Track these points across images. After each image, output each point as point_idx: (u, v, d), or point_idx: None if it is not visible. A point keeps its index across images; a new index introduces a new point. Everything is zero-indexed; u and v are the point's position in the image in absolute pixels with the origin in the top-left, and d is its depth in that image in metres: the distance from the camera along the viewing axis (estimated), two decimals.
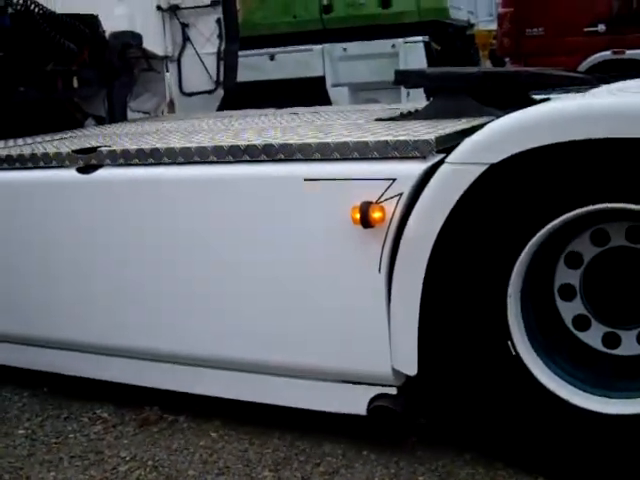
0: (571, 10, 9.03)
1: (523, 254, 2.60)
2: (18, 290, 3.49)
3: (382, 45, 7.26)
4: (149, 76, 5.49)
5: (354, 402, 2.90)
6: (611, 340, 2.75)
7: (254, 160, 2.91)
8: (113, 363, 3.41)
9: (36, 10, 4.31)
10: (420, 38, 7.24)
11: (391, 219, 2.67)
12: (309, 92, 6.90)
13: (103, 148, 3.23)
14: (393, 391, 2.85)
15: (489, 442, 2.81)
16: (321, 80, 7.13)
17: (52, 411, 3.49)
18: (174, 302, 3.11)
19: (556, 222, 2.54)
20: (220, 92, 5.70)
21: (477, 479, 2.74)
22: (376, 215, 2.64)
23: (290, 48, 7.38)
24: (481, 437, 2.83)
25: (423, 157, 2.66)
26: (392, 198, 2.66)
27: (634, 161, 2.41)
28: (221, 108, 6.49)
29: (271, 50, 7.45)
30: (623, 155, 2.41)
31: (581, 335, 2.79)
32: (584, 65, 8.98)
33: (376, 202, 2.67)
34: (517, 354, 2.66)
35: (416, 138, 2.64)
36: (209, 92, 5.54)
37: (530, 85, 3.66)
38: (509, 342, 2.66)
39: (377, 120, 3.53)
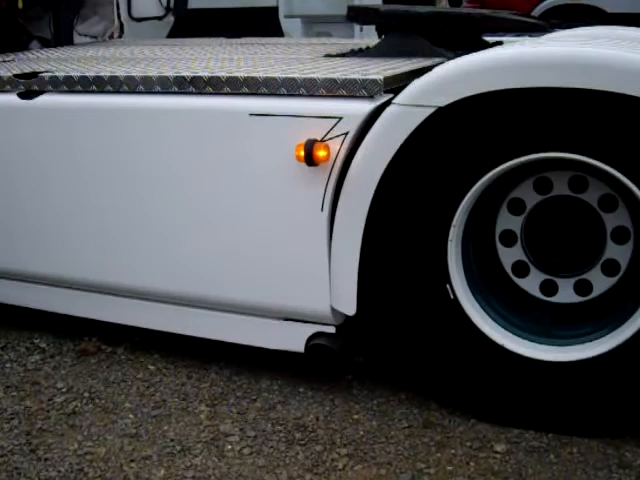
0: None
1: (466, 199, 2.60)
2: None
3: None
4: None
5: (293, 339, 2.91)
6: (548, 288, 2.78)
7: (199, 92, 2.85)
8: (53, 293, 3.36)
9: None
10: None
11: (335, 158, 2.65)
12: (261, 22, 6.78)
13: (45, 74, 3.13)
14: (331, 330, 2.86)
15: (425, 383, 2.84)
16: (274, 10, 6.99)
17: None
18: (112, 232, 3.07)
19: (499, 169, 2.54)
20: (170, 19, 5.56)
21: (410, 419, 2.77)
22: (320, 153, 2.62)
23: None
24: (417, 378, 2.86)
25: (371, 97, 2.63)
26: (337, 137, 2.64)
27: (577, 112, 2.41)
28: (171, 35, 6.35)
29: None
30: (566, 105, 2.41)
31: (519, 281, 2.81)
32: (539, 9, 8.94)
33: (321, 140, 2.64)
34: (455, 298, 2.68)
35: (364, 77, 2.60)
36: (159, 18, 5.42)
37: (483, 28, 3.62)
38: (448, 286, 2.68)
39: (326, 56, 3.47)
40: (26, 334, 3.47)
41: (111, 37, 5.62)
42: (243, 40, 4.89)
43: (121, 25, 5.91)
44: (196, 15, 6.83)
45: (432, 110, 2.52)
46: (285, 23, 7.00)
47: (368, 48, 3.53)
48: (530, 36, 3.93)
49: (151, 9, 5.39)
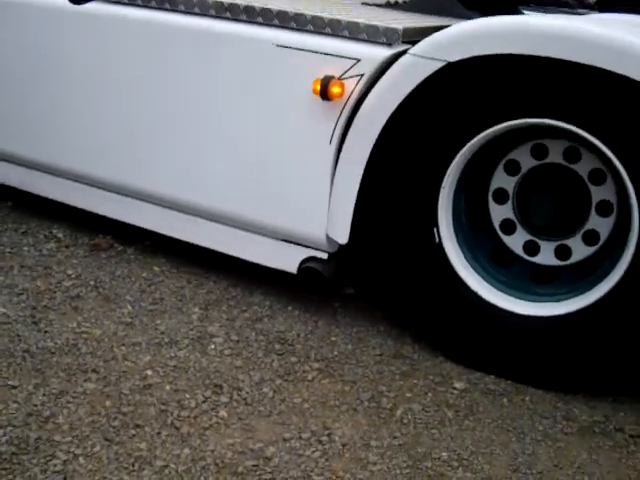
0: None
1: (461, 152, 2.77)
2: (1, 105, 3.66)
3: None
4: None
5: (287, 260, 3.12)
6: (531, 248, 2.96)
7: (235, 19, 3.03)
8: (77, 189, 3.60)
9: None
10: None
11: (349, 96, 2.83)
12: None
13: None
14: (324, 256, 3.07)
15: (403, 317, 3.06)
16: None
17: (11, 224, 3.70)
18: (141, 139, 3.29)
19: (494, 129, 2.71)
20: None
21: (384, 348, 2.99)
22: (335, 90, 2.80)
23: None
24: (397, 311, 3.08)
25: (389, 44, 2.80)
26: (354, 77, 2.82)
27: (574, 84, 2.56)
28: None
29: None
30: (564, 77, 2.56)
31: (505, 238, 3.00)
32: None
33: (338, 78, 2.82)
34: (440, 242, 2.87)
35: (385, 25, 2.77)
36: None
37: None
38: (435, 229, 2.87)
39: (363, 4, 3.63)
40: (46, 224, 3.71)
41: None
42: None
43: None
44: None
45: (442, 64, 2.69)
46: None
47: (405, 2, 3.68)
48: (569, 14, 4.03)
49: None
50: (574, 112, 2.59)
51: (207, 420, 2.46)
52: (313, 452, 2.37)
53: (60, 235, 3.63)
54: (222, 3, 3.03)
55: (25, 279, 3.20)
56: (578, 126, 2.63)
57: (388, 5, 3.64)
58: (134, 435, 2.35)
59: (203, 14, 3.09)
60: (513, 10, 3.74)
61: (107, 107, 3.35)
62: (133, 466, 2.22)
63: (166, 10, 3.16)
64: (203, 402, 2.55)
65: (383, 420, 2.57)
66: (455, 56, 2.66)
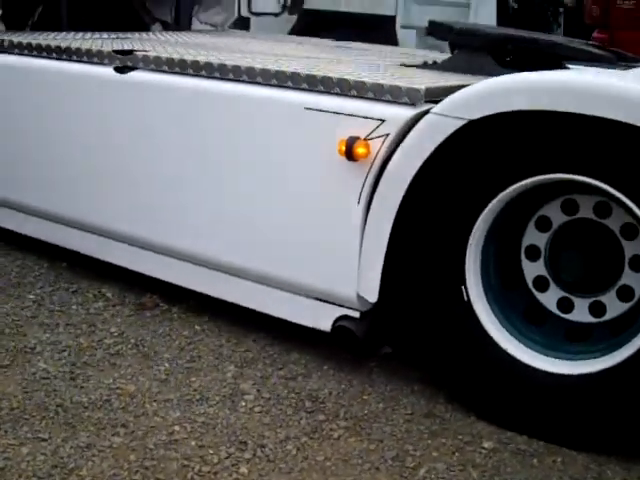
0: None
1: (488, 208, 2.78)
2: (42, 165, 3.84)
3: None
4: None
5: (322, 319, 3.16)
6: (565, 305, 2.93)
7: (267, 83, 3.14)
8: (125, 249, 3.72)
9: None
10: None
11: (375, 156, 2.88)
12: (378, 29, 7.03)
13: (139, 52, 3.49)
14: (356, 315, 3.09)
15: (435, 376, 3.04)
16: (392, 19, 7.23)
17: (63, 283, 3.84)
18: (176, 199, 3.40)
19: (520, 185, 2.71)
20: (287, 16, 5.88)
21: (415, 407, 2.97)
22: (360, 150, 2.86)
23: None
24: (429, 370, 3.06)
25: (413, 104, 2.85)
26: (379, 137, 2.87)
27: (598, 139, 2.56)
28: (292, 32, 6.70)
29: None
30: (597, 132, 2.55)
31: (539, 295, 2.97)
32: None
33: (364, 139, 2.88)
34: (469, 300, 2.87)
35: (408, 85, 2.83)
36: (275, 15, 5.74)
37: (567, 55, 3.75)
38: (463, 287, 2.86)
39: (401, 65, 3.70)
40: (97, 284, 3.84)
41: (230, 27, 6.00)
42: (348, 44, 5.15)
43: (248, 19, 6.29)
44: (320, 16, 7.15)
45: (464, 122, 2.72)
46: (401, 33, 7.24)
47: (441, 62, 3.73)
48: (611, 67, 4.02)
49: (270, 6, 5.72)
50: (600, 168, 2.59)
51: (227, 476, 2.49)
52: None
53: (109, 294, 3.74)
54: (254, 69, 3.14)
55: (69, 336, 3.31)
56: (605, 182, 2.62)
57: (425, 65, 3.70)
58: None
59: (237, 80, 3.19)
60: (558, 66, 3.74)
61: (151, 170, 3.48)
62: None
63: (202, 77, 3.28)
64: (226, 458, 2.58)
65: (405, 479, 2.55)
66: (476, 114, 2.69)
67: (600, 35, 9.33)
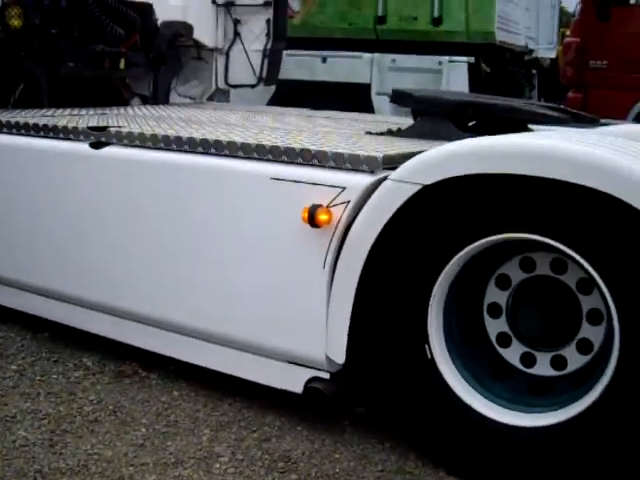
0: (636, 47, 9.10)
1: (446, 269, 2.90)
2: (20, 239, 3.98)
3: (429, 61, 7.51)
4: (198, 65, 5.91)
5: (293, 381, 3.25)
6: (528, 360, 3.03)
7: (233, 155, 3.28)
8: (104, 319, 3.82)
9: None
10: (465, 59, 7.47)
11: (338, 222, 3.01)
12: (354, 97, 7.24)
13: (112, 128, 3.65)
14: (326, 376, 3.18)
15: (405, 433, 3.12)
16: (367, 87, 7.45)
17: (45, 353, 3.92)
18: (149, 268, 3.52)
19: (475, 245, 2.84)
20: (264, 87, 6.07)
21: (387, 464, 3.04)
22: (322, 217, 2.99)
23: (342, 53, 7.69)
24: (403, 429, 3.15)
25: (371, 172, 2.99)
26: (341, 204, 3.00)
27: (547, 200, 2.69)
28: (271, 103, 6.89)
29: (324, 53, 7.78)
30: (547, 193, 2.69)
31: (503, 351, 3.07)
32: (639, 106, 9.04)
33: (326, 206, 3.01)
34: (432, 357, 2.97)
35: (367, 154, 2.97)
36: (251, 86, 5.92)
37: (524, 118, 3.91)
38: (426, 345, 2.97)
39: (367, 133, 3.86)
40: (78, 353, 3.93)
41: (210, 99, 6.19)
42: (321, 113, 5.33)
43: (228, 91, 6.48)
44: (297, 86, 7.37)
45: (419, 187, 2.85)
46: (376, 99, 7.44)
47: (404, 129, 3.88)
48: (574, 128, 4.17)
49: (246, 77, 5.91)
50: (552, 227, 2.71)
51: None
52: None
53: (89, 363, 3.83)
54: (221, 142, 3.28)
55: (50, 405, 3.39)
56: (557, 240, 2.74)
57: (389, 133, 3.85)
58: None
59: (205, 152, 3.34)
60: (521, 129, 3.90)
61: (129, 242, 3.61)
62: None
63: (172, 150, 3.43)
64: None
65: None
66: (429, 179, 2.83)
67: (575, 95, 9.60)
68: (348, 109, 5.88)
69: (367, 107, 7.11)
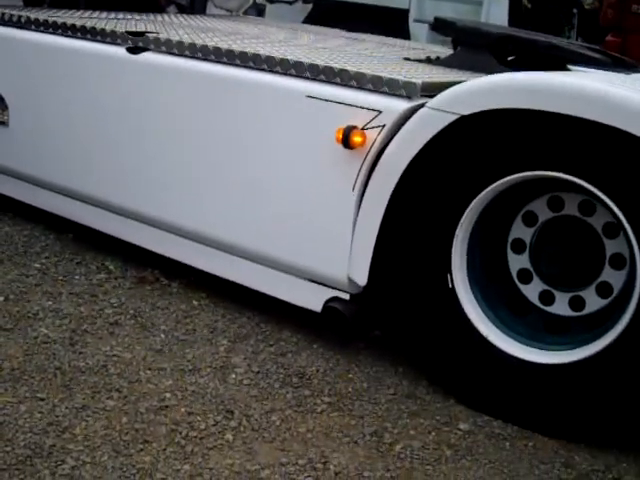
0: None
1: (475, 202, 2.90)
2: (54, 139, 3.98)
3: None
4: None
5: (313, 299, 3.28)
6: (546, 298, 3.05)
7: (271, 70, 3.26)
8: (129, 224, 3.86)
9: None
10: None
11: (371, 145, 3.00)
12: (391, 22, 7.11)
13: (150, 34, 3.62)
14: (346, 297, 3.21)
15: (420, 359, 3.17)
16: (405, 13, 7.32)
17: (68, 254, 3.97)
18: (180, 178, 3.53)
19: (505, 180, 2.83)
20: (301, 5, 6.00)
21: (398, 388, 3.10)
22: (357, 139, 2.98)
23: None
24: (416, 354, 3.19)
25: (409, 97, 2.97)
26: (376, 127, 2.99)
27: (582, 139, 2.67)
28: (306, 21, 6.80)
29: None
30: (582, 133, 2.66)
31: (522, 287, 3.09)
32: None
33: (361, 128, 3.00)
34: (453, 287, 2.99)
35: (406, 79, 2.95)
36: (289, 3, 5.84)
37: (565, 57, 3.85)
38: (448, 275, 2.99)
39: (404, 59, 3.82)
40: (100, 256, 3.97)
41: (245, 13, 6.11)
42: (358, 35, 5.25)
43: (263, 6, 6.40)
44: (334, 6, 7.25)
45: (456, 117, 2.84)
46: (413, 26, 7.33)
47: (444, 58, 3.83)
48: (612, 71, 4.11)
49: None
50: (584, 168, 2.70)
51: (213, 441, 2.63)
52: (306, 477, 2.50)
53: (111, 267, 3.88)
54: (259, 55, 3.26)
55: (71, 305, 3.44)
56: (588, 181, 2.73)
57: (428, 61, 3.81)
58: (141, 449, 2.53)
59: (243, 65, 3.32)
60: (560, 67, 3.84)
61: (159, 149, 3.61)
62: (134, 476, 2.40)
63: (210, 61, 3.41)
64: (213, 425, 2.72)
65: (381, 454, 2.68)
66: (467, 109, 2.81)
67: (613, 38, 9.40)
68: (384, 34, 5.78)
69: (403, 33, 6.99)
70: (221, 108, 3.35)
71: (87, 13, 4.53)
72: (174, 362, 3.09)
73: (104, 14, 4.58)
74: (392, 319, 3.24)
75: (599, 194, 2.72)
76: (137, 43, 3.64)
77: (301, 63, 3.17)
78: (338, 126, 3.01)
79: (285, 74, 3.23)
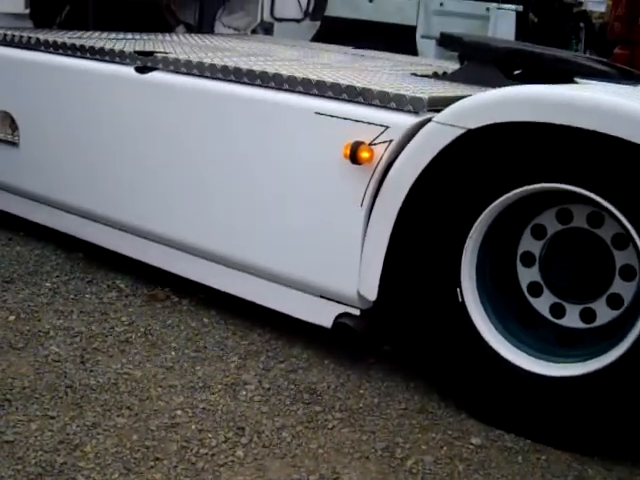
0: None
1: (483, 215, 2.90)
2: (61, 158, 4.02)
3: (477, 6, 7.37)
4: None
5: (323, 315, 3.28)
6: (557, 310, 3.04)
7: (276, 87, 3.28)
8: (139, 243, 3.87)
9: None
10: (513, 7, 7.35)
11: (379, 161, 3.01)
12: (398, 39, 7.16)
13: (158, 53, 3.65)
14: (356, 312, 3.21)
15: (429, 373, 3.16)
16: (412, 29, 7.36)
17: (79, 273, 3.99)
18: (191, 196, 3.55)
19: (513, 193, 2.83)
20: (309, 23, 6.02)
21: (410, 403, 3.09)
22: (364, 155, 2.99)
23: None
24: (427, 369, 3.18)
25: (416, 112, 2.98)
26: (383, 143, 3.00)
27: (587, 151, 2.67)
28: (314, 39, 6.83)
29: None
30: (590, 145, 2.67)
31: (533, 300, 3.09)
32: None
33: (369, 144, 3.01)
34: (463, 302, 2.98)
35: (412, 94, 2.96)
36: (297, 21, 5.87)
37: (572, 70, 3.86)
38: (458, 289, 2.98)
39: (412, 74, 3.83)
40: (111, 275, 3.99)
41: (253, 32, 6.14)
42: (365, 52, 5.28)
43: (271, 24, 6.42)
44: (342, 23, 7.29)
45: (463, 131, 2.84)
46: (421, 42, 7.36)
47: (451, 73, 3.85)
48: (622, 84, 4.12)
49: (292, 12, 5.85)
50: (592, 180, 2.70)
51: (224, 458, 2.63)
52: None
53: (122, 285, 3.89)
54: (267, 73, 3.28)
55: (82, 323, 3.46)
56: (596, 193, 2.73)
57: (435, 76, 3.82)
58: (152, 467, 2.54)
59: (251, 83, 3.34)
60: (567, 80, 3.85)
61: (167, 165, 3.63)
62: None
63: (218, 79, 3.43)
64: (223, 442, 2.72)
65: (393, 469, 2.67)
66: (473, 123, 2.82)
67: (622, 51, 9.40)
68: (391, 50, 5.81)
69: (411, 49, 7.03)
70: (230, 126, 3.37)
71: (96, 34, 4.57)
72: (185, 379, 3.09)
73: (113, 34, 4.61)
74: (402, 334, 3.24)
75: (607, 206, 2.72)
76: (146, 63, 3.67)
77: (309, 80, 3.19)
78: (346, 142, 3.02)
79: (293, 91, 3.25)
